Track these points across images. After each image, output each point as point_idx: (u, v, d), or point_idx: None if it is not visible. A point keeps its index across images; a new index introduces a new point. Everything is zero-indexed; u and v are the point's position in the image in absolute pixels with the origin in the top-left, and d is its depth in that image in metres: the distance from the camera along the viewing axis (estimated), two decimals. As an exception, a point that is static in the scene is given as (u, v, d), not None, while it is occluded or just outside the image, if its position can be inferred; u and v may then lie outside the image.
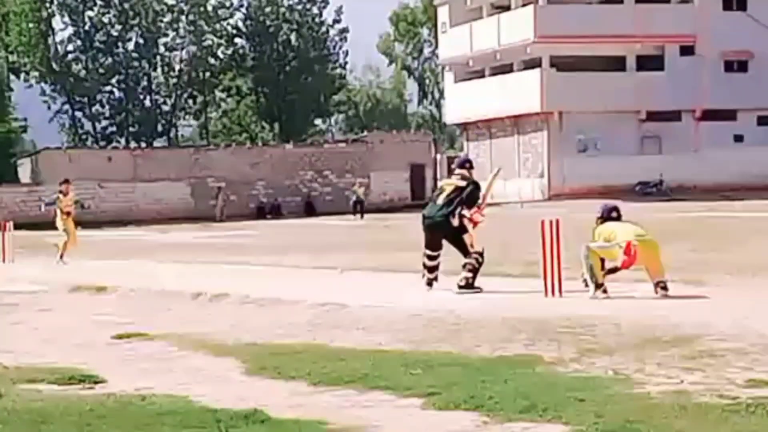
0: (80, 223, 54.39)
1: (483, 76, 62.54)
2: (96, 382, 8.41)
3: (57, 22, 74.60)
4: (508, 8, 59.93)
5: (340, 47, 79.47)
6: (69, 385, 8.32)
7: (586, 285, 12.59)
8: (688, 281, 13.91)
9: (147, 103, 76.51)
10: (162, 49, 76.18)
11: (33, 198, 57.32)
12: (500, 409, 6.82)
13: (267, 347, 9.86)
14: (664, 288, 12.38)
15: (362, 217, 49.46)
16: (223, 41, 77.15)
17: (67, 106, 75.18)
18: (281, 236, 33.76)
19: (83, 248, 24.07)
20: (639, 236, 12.48)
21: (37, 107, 74.17)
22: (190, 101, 78.46)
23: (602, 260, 12.54)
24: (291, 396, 7.64)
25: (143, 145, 71.51)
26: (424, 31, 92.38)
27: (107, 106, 75.31)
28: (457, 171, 14.26)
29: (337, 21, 78.96)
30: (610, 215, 13.00)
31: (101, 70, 74.22)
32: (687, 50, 57.87)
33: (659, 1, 58.18)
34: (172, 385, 8.16)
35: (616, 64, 58.14)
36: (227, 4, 76.75)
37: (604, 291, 12.41)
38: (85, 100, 74.37)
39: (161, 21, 75.47)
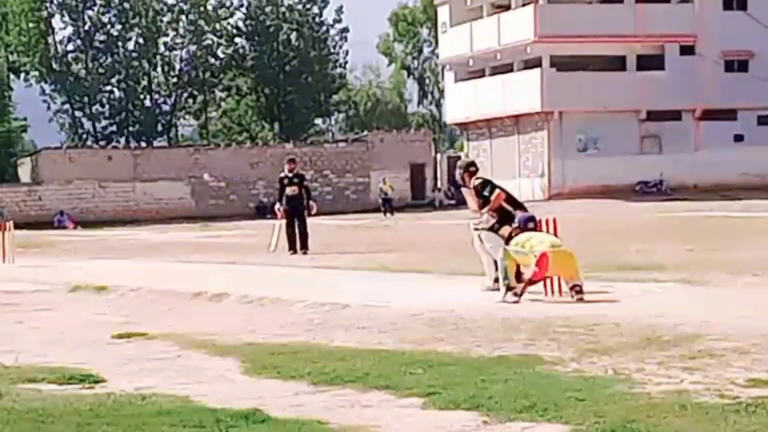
0: (81, 223, 54.05)
1: (483, 76, 62.54)
2: (96, 382, 8.39)
3: (57, 22, 74.61)
4: (508, 8, 59.94)
5: (340, 47, 79.49)
6: (69, 385, 8.30)
7: (500, 287, 12.51)
8: (688, 281, 13.93)
9: (147, 102, 76.45)
10: (162, 48, 76.11)
11: (33, 198, 57.44)
12: (500, 408, 6.81)
13: (267, 347, 9.84)
14: (579, 291, 12.21)
15: (392, 214, 49.45)
16: (223, 41, 77.09)
17: (67, 106, 75.13)
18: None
19: (84, 248, 24.06)
20: (554, 246, 12.41)
21: (37, 107, 74.13)
22: (190, 101, 78.41)
23: (518, 268, 12.44)
24: (291, 396, 7.63)
25: (143, 144, 71.48)
26: (424, 31, 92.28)
27: (107, 106, 75.23)
28: None
29: (337, 21, 78.97)
30: (526, 226, 12.90)
31: (101, 70, 74.16)
32: (687, 50, 57.88)
33: (659, 1, 58.19)
34: (172, 385, 8.14)
35: (616, 64, 58.17)
36: (227, 3, 76.69)
37: (515, 294, 12.32)
38: (85, 99, 74.30)
39: (161, 21, 75.41)
